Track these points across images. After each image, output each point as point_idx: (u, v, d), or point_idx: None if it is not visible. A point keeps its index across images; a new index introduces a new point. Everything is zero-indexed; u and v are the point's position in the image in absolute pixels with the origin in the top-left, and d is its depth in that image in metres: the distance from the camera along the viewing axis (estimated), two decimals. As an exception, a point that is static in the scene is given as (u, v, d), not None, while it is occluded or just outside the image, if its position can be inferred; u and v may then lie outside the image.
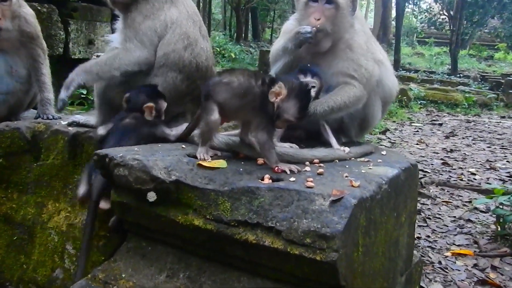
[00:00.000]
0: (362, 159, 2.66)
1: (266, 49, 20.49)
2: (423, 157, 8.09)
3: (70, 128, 3.01)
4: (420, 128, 11.22)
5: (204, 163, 2.26)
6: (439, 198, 5.84)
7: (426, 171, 7.05)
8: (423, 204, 5.57)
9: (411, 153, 8.31)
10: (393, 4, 27.72)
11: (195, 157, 2.38)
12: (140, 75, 2.94)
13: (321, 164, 2.45)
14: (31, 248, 2.98)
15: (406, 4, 26.74)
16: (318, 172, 2.27)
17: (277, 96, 2.24)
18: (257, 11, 31.80)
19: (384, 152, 2.83)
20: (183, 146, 2.57)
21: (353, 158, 2.66)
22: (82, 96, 5.83)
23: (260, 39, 32.11)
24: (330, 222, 1.87)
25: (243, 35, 31.45)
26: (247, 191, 2.06)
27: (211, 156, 2.35)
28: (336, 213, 1.90)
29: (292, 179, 2.14)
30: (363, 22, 3.11)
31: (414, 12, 30.02)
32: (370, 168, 2.43)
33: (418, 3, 27.84)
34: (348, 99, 2.81)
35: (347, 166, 2.47)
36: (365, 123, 3.05)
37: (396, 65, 21.78)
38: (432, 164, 7.55)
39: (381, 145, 8.59)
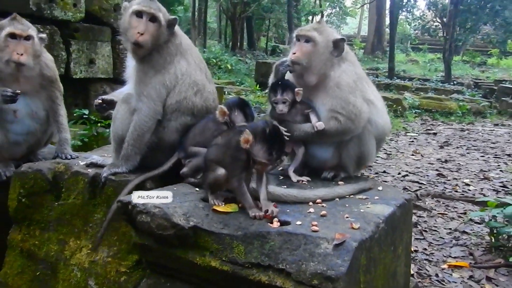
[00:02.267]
0: (360, 196, 2.89)
1: (262, 61, 20.81)
2: (419, 168, 8.28)
3: (89, 169, 3.18)
4: (415, 138, 11.42)
5: (219, 208, 2.49)
6: (435, 210, 6.01)
7: (422, 183, 7.24)
8: (420, 216, 5.75)
9: (407, 164, 8.51)
10: (387, 12, 28.04)
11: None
12: None
13: (324, 204, 2.69)
14: (54, 283, 3.12)
15: (400, 12, 27.02)
16: (321, 214, 2.50)
17: (247, 143, 2.45)
18: (252, 20, 32.10)
19: (380, 188, 3.07)
20: (197, 189, 2.80)
21: (352, 196, 2.89)
22: (85, 116, 5.91)
23: (255, 47, 32.40)
24: (334, 265, 2.10)
25: (238, 44, 31.74)
26: (258, 235, 2.29)
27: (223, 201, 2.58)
28: (340, 256, 2.13)
29: (298, 222, 2.37)
30: (357, 64, 3.36)
31: (408, 20, 30.32)
32: (368, 207, 2.67)
33: (411, 10, 28.13)
34: (328, 130, 3.14)
35: (347, 205, 2.70)
36: (362, 160, 3.31)
37: (391, 73, 22.03)
38: (427, 176, 7.74)
39: (377, 157, 8.81)
